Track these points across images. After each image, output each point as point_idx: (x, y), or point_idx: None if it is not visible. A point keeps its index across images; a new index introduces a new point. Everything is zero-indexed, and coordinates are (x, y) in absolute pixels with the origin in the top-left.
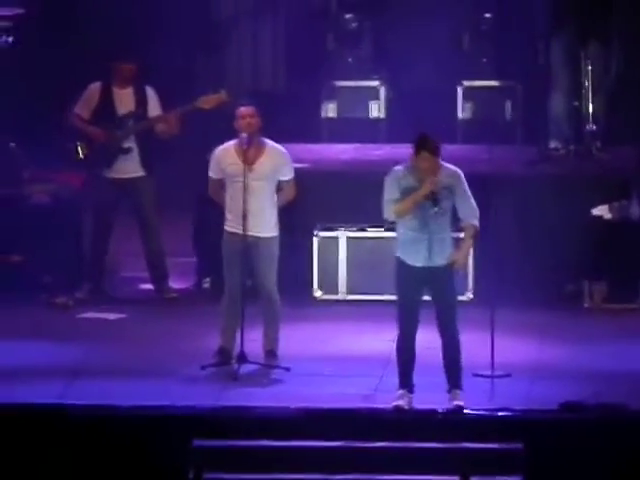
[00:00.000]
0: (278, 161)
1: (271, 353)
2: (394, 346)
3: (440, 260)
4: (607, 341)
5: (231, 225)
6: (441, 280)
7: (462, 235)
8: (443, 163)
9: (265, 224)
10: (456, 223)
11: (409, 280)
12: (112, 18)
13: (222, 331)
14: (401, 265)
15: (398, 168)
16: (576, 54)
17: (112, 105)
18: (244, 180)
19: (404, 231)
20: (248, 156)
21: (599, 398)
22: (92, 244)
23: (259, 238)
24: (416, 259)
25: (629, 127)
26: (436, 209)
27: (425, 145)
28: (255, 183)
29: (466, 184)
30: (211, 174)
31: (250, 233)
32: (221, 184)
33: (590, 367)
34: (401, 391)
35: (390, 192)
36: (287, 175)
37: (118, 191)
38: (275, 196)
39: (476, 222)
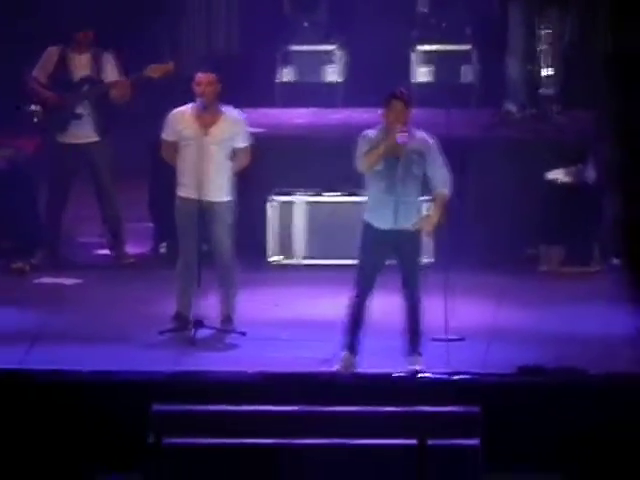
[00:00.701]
0: (234, 128)
1: (228, 319)
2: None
3: (406, 223)
4: (563, 304)
5: (184, 190)
6: (407, 245)
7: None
8: (414, 129)
9: (219, 189)
10: (426, 189)
11: (373, 244)
12: None
13: (178, 296)
14: (367, 228)
15: (369, 131)
16: (532, 18)
17: (68, 69)
18: (200, 145)
19: (372, 193)
20: (204, 121)
21: (557, 361)
22: (48, 209)
23: (214, 203)
24: (382, 221)
25: (586, 92)
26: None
27: (396, 94)
28: (210, 147)
29: (439, 151)
30: (164, 136)
31: (204, 198)
32: (175, 147)
33: (547, 330)
34: (344, 353)
35: (361, 147)
36: (243, 142)
37: (73, 156)
38: (230, 162)
39: (446, 190)
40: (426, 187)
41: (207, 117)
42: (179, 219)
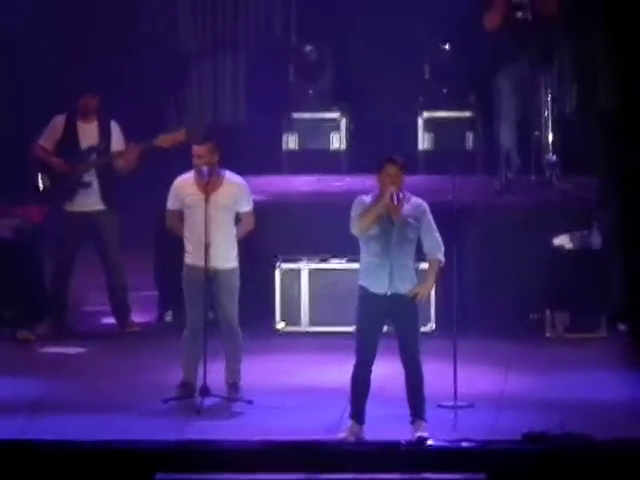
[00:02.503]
0: (237, 192)
1: (234, 386)
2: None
3: (402, 288)
4: (570, 371)
5: (191, 258)
6: (403, 310)
7: (426, 267)
8: (410, 194)
9: (224, 256)
10: (420, 254)
11: (370, 309)
12: (74, 53)
13: (184, 364)
14: (363, 293)
15: (363, 196)
16: (527, 85)
17: (75, 138)
18: (204, 211)
19: (367, 257)
20: (207, 187)
21: (563, 428)
22: (53, 278)
23: (219, 270)
24: (378, 286)
25: (588, 157)
26: (393, 213)
27: (390, 159)
28: (214, 213)
29: (431, 217)
30: (169, 205)
31: (210, 264)
32: (179, 216)
33: (554, 397)
34: (350, 422)
35: (356, 210)
36: (245, 206)
37: (79, 225)
38: (234, 228)
39: (441, 256)
40: (419, 252)
41: (209, 183)
42: (186, 287)
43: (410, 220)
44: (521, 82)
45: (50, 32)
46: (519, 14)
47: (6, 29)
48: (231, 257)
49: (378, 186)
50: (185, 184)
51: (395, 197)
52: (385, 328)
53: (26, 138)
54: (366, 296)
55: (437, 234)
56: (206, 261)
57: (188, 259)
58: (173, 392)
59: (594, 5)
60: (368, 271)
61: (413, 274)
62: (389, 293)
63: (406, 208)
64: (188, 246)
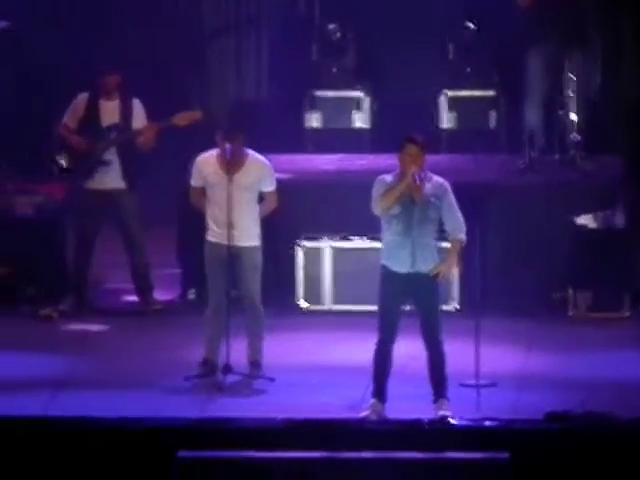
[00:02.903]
0: (260, 172)
1: (255, 364)
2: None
3: (424, 267)
4: (592, 350)
5: (213, 235)
6: (425, 289)
7: (448, 245)
8: (431, 174)
9: (247, 234)
10: (442, 233)
11: (392, 288)
12: (98, 30)
13: (206, 342)
14: (385, 272)
15: (385, 175)
16: (556, 65)
17: (97, 116)
18: (226, 190)
19: (389, 236)
20: (230, 166)
21: (585, 407)
22: (75, 256)
23: (241, 248)
24: (399, 264)
25: (612, 136)
26: (415, 192)
27: (411, 138)
28: (236, 193)
29: (453, 197)
30: (192, 182)
31: (233, 243)
32: (202, 192)
33: (576, 376)
34: (372, 400)
35: (377, 190)
36: (269, 186)
37: (100, 203)
38: (257, 207)
39: (463, 236)
40: (440, 231)
41: (232, 162)
42: (208, 264)
43: (432, 199)
44: (548, 61)
45: (73, 10)
46: None
47: (31, 9)
48: (254, 235)
49: (400, 165)
50: (207, 162)
51: (417, 177)
52: (407, 307)
53: (49, 116)
54: (388, 275)
55: (459, 214)
56: (228, 239)
57: (210, 236)
58: (195, 370)
59: None
60: (390, 250)
61: (435, 253)
62: (411, 272)
63: (428, 187)
64: (211, 224)
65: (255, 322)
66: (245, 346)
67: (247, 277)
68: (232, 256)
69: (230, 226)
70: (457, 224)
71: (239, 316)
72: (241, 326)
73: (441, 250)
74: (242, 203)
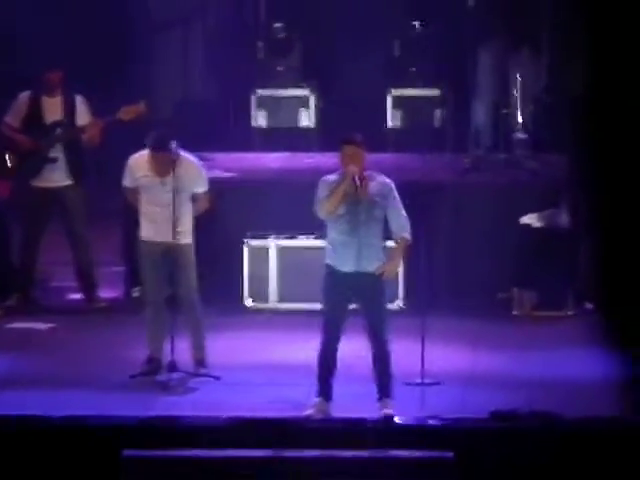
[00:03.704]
0: (192, 173)
1: (200, 362)
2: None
3: (369, 266)
4: (538, 349)
5: (147, 233)
6: (370, 288)
7: (393, 245)
8: (374, 173)
9: (182, 231)
10: (386, 232)
11: (337, 287)
12: (39, 27)
13: (149, 341)
14: (330, 271)
15: (329, 176)
16: (503, 64)
17: (40, 114)
18: (158, 192)
19: (334, 235)
20: (157, 168)
21: (530, 406)
22: (21, 253)
23: (177, 245)
24: (345, 264)
25: (557, 136)
26: (359, 191)
27: (347, 139)
28: (168, 195)
29: (398, 196)
30: (126, 183)
31: (167, 240)
32: (137, 191)
33: (521, 375)
34: (317, 399)
35: (321, 192)
36: (201, 187)
37: (46, 200)
38: (190, 204)
39: (407, 235)
40: (385, 231)
41: (164, 165)
42: (144, 263)
43: (377, 199)
44: (494, 60)
45: (14, 4)
46: None
47: None
48: (189, 233)
49: (341, 166)
50: (139, 164)
51: (356, 177)
52: (352, 306)
53: None
54: (333, 274)
55: (404, 212)
56: (163, 237)
57: (144, 235)
58: (140, 368)
59: None
60: (335, 249)
61: (381, 252)
62: (356, 271)
63: (373, 186)
64: (145, 223)
65: (194, 319)
66: (188, 345)
67: (186, 275)
68: (167, 254)
69: (164, 224)
70: (402, 223)
71: (178, 314)
72: (181, 325)
73: (386, 249)
74: (175, 203)
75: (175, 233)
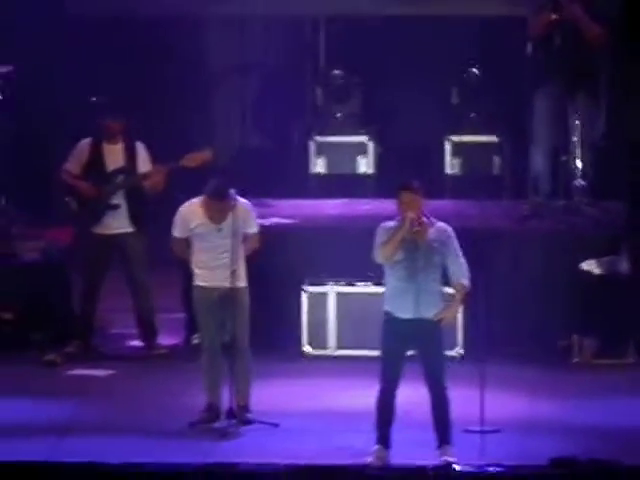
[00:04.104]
0: (244, 216)
1: (244, 408)
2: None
3: (427, 312)
4: (597, 396)
5: (202, 279)
6: (428, 334)
7: (451, 291)
8: (434, 219)
9: (237, 275)
10: (445, 278)
11: (395, 334)
12: (102, 75)
13: (207, 388)
14: (388, 318)
15: (388, 222)
16: (561, 110)
17: (102, 161)
18: (215, 239)
19: (392, 282)
20: (213, 215)
21: (590, 454)
22: (81, 300)
23: (232, 289)
24: (403, 310)
25: (616, 182)
26: (417, 237)
27: (405, 185)
28: (224, 241)
29: (457, 243)
30: (176, 234)
31: (222, 285)
32: (187, 242)
33: (581, 423)
34: (376, 447)
35: (379, 238)
36: (252, 228)
37: (107, 247)
38: (242, 248)
39: (466, 281)
40: (443, 277)
41: (221, 210)
42: (201, 309)
43: (436, 245)
44: (552, 106)
45: (77, 55)
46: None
47: (32, 50)
48: (242, 276)
49: (399, 213)
50: (193, 212)
51: (415, 222)
52: (410, 352)
53: (54, 162)
54: (391, 321)
55: (462, 259)
56: (219, 283)
57: (199, 281)
58: (199, 415)
59: (631, 32)
60: (394, 296)
61: (439, 299)
62: (414, 318)
63: (431, 232)
64: (197, 270)
65: (243, 364)
66: (233, 390)
67: (239, 318)
68: (224, 300)
69: (220, 270)
70: (460, 270)
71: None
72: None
73: (444, 295)
74: (233, 247)
75: (234, 278)
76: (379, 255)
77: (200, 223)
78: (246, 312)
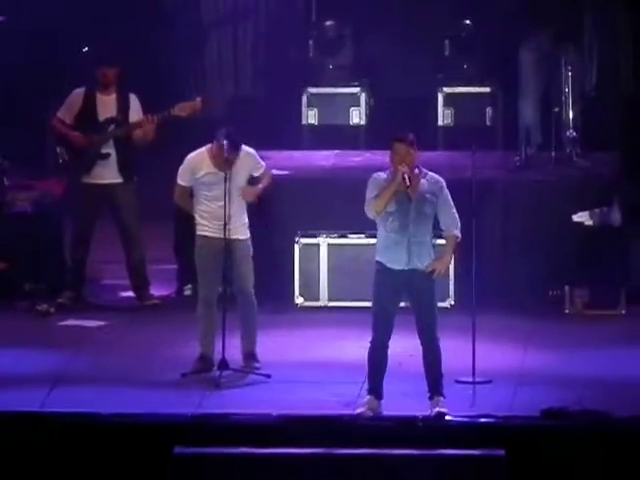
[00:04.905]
0: (250, 162)
1: (250, 355)
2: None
3: (419, 264)
4: (589, 347)
5: (208, 229)
6: (420, 285)
7: (443, 242)
8: (425, 170)
9: (241, 227)
10: (437, 230)
11: (387, 285)
12: (95, 24)
13: (201, 338)
14: (380, 269)
15: (379, 173)
16: (550, 61)
17: (94, 110)
18: (222, 188)
19: (384, 234)
20: (224, 164)
21: (582, 405)
22: (73, 251)
23: (236, 240)
24: (395, 261)
25: (608, 133)
26: (409, 190)
27: (398, 137)
28: (233, 188)
29: (449, 194)
30: (181, 182)
31: (229, 236)
32: (190, 192)
33: (572, 373)
34: (368, 397)
35: (371, 191)
36: (259, 170)
37: (97, 197)
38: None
39: (457, 232)
40: (435, 228)
41: (228, 159)
42: (201, 260)
43: (427, 196)
44: (543, 58)
45: (71, 3)
46: None
47: (29, 2)
48: (246, 228)
49: (391, 165)
50: (200, 161)
51: (407, 177)
52: (402, 304)
53: (46, 112)
54: (383, 272)
55: (454, 210)
56: (224, 233)
57: (203, 232)
58: (192, 366)
59: None
60: (386, 247)
61: (430, 250)
62: (406, 269)
63: (423, 184)
64: (203, 220)
65: (249, 314)
66: (239, 339)
67: (243, 269)
68: (226, 250)
69: (226, 220)
70: (452, 221)
71: (232, 312)
72: (234, 321)
73: (436, 247)
74: (236, 197)
75: (232, 229)
76: (370, 209)
77: (208, 172)
78: (250, 261)
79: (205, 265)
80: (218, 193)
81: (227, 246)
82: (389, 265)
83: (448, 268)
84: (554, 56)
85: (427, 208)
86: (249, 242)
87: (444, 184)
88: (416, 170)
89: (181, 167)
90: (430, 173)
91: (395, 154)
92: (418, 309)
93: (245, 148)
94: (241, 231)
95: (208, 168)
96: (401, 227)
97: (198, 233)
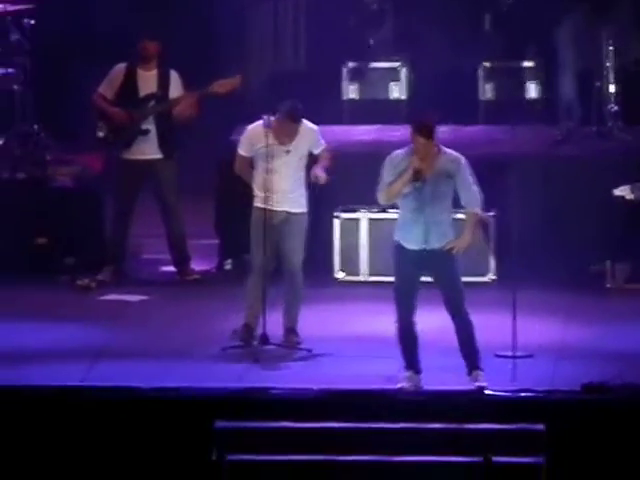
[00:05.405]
0: (311, 137)
1: (291, 330)
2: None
3: (436, 243)
4: (630, 322)
5: (262, 201)
6: (440, 264)
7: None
8: (445, 149)
9: (298, 200)
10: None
11: (405, 264)
12: (134, 2)
13: (247, 308)
14: (398, 248)
15: (397, 152)
16: (593, 34)
17: (135, 86)
18: (281, 160)
19: (402, 213)
20: (283, 136)
21: (622, 379)
22: (113, 226)
23: (291, 214)
24: (412, 241)
25: None
26: (417, 184)
27: (418, 130)
28: (292, 161)
29: (469, 170)
30: (242, 152)
31: (283, 209)
32: (250, 162)
33: (613, 348)
34: (407, 373)
35: (385, 176)
36: (319, 147)
37: (138, 173)
38: (304, 172)
39: (478, 209)
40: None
41: (284, 132)
42: (256, 230)
43: (443, 175)
44: (583, 32)
45: None
46: None
47: None
48: (303, 202)
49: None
50: (260, 133)
51: (418, 174)
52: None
53: (88, 87)
54: (401, 252)
55: (474, 187)
56: (279, 206)
57: (260, 203)
58: (233, 335)
59: None
60: (404, 227)
61: (449, 229)
62: (424, 249)
63: (440, 162)
64: (259, 191)
65: (294, 289)
66: (281, 315)
67: (294, 243)
68: (280, 222)
69: (281, 193)
70: (472, 198)
71: (278, 287)
72: (278, 297)
73: (458, 223)
74: (295, 170)
75: (292, 201)
76: (381, 198)
77: (268, 144)
78: (303, 236)
79: (259, 236)
80: (277, 165)
81: (279, 219)
82: (406, 245)
83: (468, 245)
84: (594, 30)
85: (443, 187)
86: (305, 216)
87: (463, 161)
88: (435, 148)
89: (242, 137)
90: (449, 151)
91: (414, 143)
92: (441, 286)
93: (307, 123)
94: (298, 204)
95: (267, 139)
96: (418, 207)
97: (255, 204)
